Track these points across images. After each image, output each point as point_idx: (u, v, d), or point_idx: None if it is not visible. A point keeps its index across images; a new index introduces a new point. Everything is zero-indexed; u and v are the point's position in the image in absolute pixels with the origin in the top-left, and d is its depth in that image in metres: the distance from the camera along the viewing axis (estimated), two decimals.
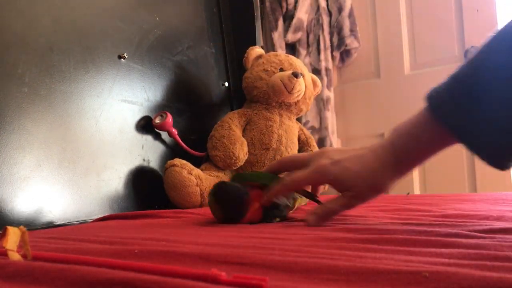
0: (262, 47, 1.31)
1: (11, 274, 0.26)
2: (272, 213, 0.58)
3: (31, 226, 0.68)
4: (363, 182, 0.49)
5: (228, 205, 0.56)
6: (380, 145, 0.50)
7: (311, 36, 1.60)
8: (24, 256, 0.31)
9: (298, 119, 1.30)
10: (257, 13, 1.35)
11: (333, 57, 1.62)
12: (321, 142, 1.57)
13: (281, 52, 1.50)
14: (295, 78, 1.06)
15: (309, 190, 0.63)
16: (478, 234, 0.41)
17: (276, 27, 1.56)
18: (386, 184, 0.49)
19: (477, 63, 0.41)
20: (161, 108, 1.02)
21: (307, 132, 1.20)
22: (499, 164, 0.42)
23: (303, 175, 0.52)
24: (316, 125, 1.59)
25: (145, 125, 0.97)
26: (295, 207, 0.68)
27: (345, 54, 1.65)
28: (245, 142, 1.05)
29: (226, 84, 1.30)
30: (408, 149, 0.47)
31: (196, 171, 0.94)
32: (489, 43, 0.41)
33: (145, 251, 0.34)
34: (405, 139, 0.47)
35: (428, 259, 0.30)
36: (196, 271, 0.24)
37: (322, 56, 1.57)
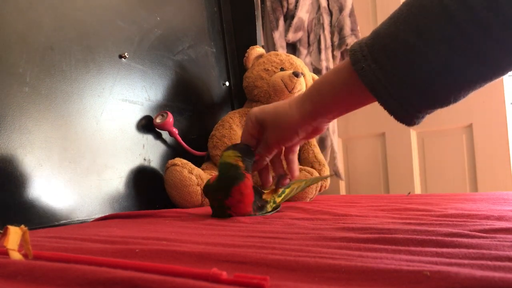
0: (262, 47, 1.31)
1: (12, 273, 0.26)
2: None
3: (32, 225, 0.69)
4: (272, 118, 0.57)
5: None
6: (303, 92, 0.55)
7: (312, 36, 1.60)
8: (25, 255, 0.31)
9: None
10: (258, 13, 1.34)
11: (334, 56, 1.62)
12: (321, 142, 1.57)
13: (282, 51, 1.50)
14: (296, 78, 1.06)
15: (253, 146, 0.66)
16: (479, 234, 0.41)
17: (277, 27, 1.56)
18: (292, 122, 0.54)
19: (400, 24, 0.42)
20: (162, 107, 1.02)
21: None
22: (407, 121, 0.45)
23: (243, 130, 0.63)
24: None
25: (146, 125, 0.97)
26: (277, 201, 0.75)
27: (346, 53, 1.65)
28: None
29: (227, 83, 1.30)
30: (322, 93, 0.51)
31: (197, 170, 0.94)
32: (408, 4, 0.43)
33: (146, 251, 0.34)
34: (321, 83, 0.51)
35: (429, 258, 0.30)
36: (197, 271, 0.24)
37: (323, 56, 1.57)
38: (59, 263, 0.27)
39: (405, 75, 0.42)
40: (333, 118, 0.55)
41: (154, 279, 0.22)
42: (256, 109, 0.60)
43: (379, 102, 0.45)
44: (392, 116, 0.45)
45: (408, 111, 0.44)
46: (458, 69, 0.40)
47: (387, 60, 0.43)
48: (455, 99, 0.43)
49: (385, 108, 0.45)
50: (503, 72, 0.41)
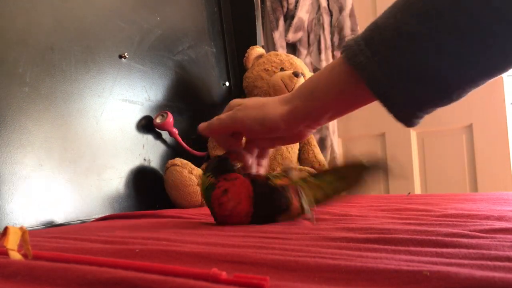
0: (262, 47, 1.31)
1: (12, 273, 0.26)
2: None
3: (32, 225, 0.69)
4: (258, 115, 0.49)
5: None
6: (294, 92, 0.49)
7: (312, 36, 1.60)
8: (25, 256, 0.31)
9: None
10: (258, 13, 1.34)
11: (334, 56, 1.62)
12: (321, 142, 1.57)
13: (282, 51, 1.50)
14: (296, 78, 1.06)
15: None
16: (479, 234, 0.41)
17: (277, 27, 1.56)
18: (279, 121, 0.48)
19: (397, 13, 0.40)
20: (162, 107, 1.02)
21: None
22: (406, 119, 0.42)
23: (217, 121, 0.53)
24: None
25: (146, 125, 0.97)
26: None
27: None
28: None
29: (227, 83, 1.30)
30: (315, 94, 0.46)
31: (197, 170, 0.94)
32: None
33: (146, 251, 0.34)
34: (314, 83, 0.46)
35: (428, 258, 0.30)
36: (197, 271, 0.24)
37: (323, 56, 1.57)
38: (59, 263, 0.27)
39: (409, 66, 0.39)
40: (322, 122, 0.51)
41: (154, 279, 0.22)
42: (239, 103, 0.51)
43: (378, 98, 0.41)
44: (391, 114, 0.42)
45: (408, 109, 0.41)
46: (466, 61, 0.37)
47: (388, 51, 0.39)
48: (458, 95, 0.40)
49: (384, 105, 0.42)
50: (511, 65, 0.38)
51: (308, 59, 1.59)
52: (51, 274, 0.25)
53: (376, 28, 0.41)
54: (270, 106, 0.48)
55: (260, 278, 0.23)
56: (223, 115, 0.52)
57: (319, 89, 0.46)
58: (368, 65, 0.40)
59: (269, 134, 0.50)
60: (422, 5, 0.38)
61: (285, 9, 1.57)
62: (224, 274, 0.23)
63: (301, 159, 1.17)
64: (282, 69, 1.12)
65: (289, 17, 1.58)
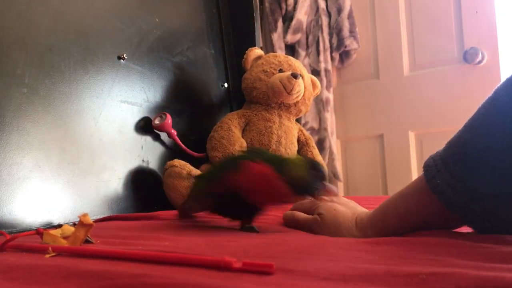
0: (261, 48, 1.31)
1: (14, 277, 0.26)
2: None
3: (30, 227, 0.69)
4: (329, 223, 0.50)
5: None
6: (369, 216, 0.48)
7: (311, 37, 1.60)
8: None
9: (298, 120, 1.30)
10: (257, 14, 1.35)
11: (332, 58, 1.62)
12: (320, 143, 1.57)
13: (280, 53, 1.50)
14: (294, 79, 1.06)
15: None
16: (477, 235, 0.41)
17: (275, 28, 1.56)
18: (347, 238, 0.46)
19: (472, 129, 0.38)
20: (161, 109, 1.02)
21: (307, 133, 1.21)
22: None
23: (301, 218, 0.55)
24: (316, 126, 1.59)
25: (145, 126, 0.97)
26: None
27: (345, 55, 1.65)
28: (245, 143, 1.05)
29: (226, 85, 1.30)
30: (397, 208, 0.44)
31: (196, 172, 0.94)
32: (485, 105, 0.38)
33: (149, 247, 0.34)
34: (397, 200, 0.45)
35: (426, 259, 0.30)
36: (210, 258, 0.26)
37: (321, 57, 1.57)
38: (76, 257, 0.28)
39: (485, 189, 0.34)
40: None
41: (163, 276, 0.23)
42: (319, 213, 0.52)
43: (467, 224, 0.38)
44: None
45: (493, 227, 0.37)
46: None
47: (463, 169, 0.35)
48: None
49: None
50: None
51: (306, 61, 1.60)
52: (50, 271, 0.25)
53: (449, 145, 0.39)
54: (346, 229, 0.48)
55: (266, 264, 0.25)
56: (304, 217, 0.54)
57: (393, 214, 0.44)
58: (444, 187, 0.37)
59: None
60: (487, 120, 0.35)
61: (283, 11, 1.57)
62: (235, 261, 0.25)
63: None
64: (280, 71, 1.13)
65: (288, 18, 1.58)
